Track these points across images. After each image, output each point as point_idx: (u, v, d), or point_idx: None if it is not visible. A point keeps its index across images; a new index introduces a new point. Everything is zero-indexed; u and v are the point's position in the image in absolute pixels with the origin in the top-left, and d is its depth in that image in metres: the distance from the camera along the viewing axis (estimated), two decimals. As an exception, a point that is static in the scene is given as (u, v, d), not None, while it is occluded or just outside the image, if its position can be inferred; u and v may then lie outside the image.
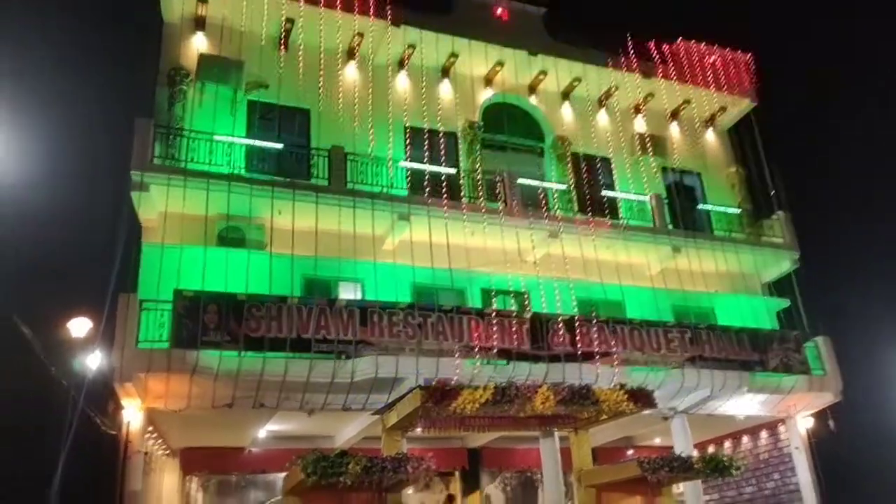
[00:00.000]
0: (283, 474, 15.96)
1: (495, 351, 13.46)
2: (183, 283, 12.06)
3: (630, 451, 18.94)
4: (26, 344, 10.20)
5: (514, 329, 13.79)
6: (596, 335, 14.39)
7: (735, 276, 17.88)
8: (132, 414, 12.09)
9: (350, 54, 17.01)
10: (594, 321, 14.52)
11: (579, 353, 14.06)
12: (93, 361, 11.62)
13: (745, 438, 18.89)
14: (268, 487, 16.56)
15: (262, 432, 15.09)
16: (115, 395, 11.99)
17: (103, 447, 11.08)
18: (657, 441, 18.80)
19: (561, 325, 14.23)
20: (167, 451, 15.15)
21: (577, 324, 14.32)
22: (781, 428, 17.75)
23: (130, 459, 11.65)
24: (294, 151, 14.94)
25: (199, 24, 15.68)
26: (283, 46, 16.23)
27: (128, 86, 14.11)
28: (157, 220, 13.33)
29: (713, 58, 20.99)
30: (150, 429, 13.04)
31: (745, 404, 16.29)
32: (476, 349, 13.36)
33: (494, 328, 13.60)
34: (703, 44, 20.89)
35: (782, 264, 18.80)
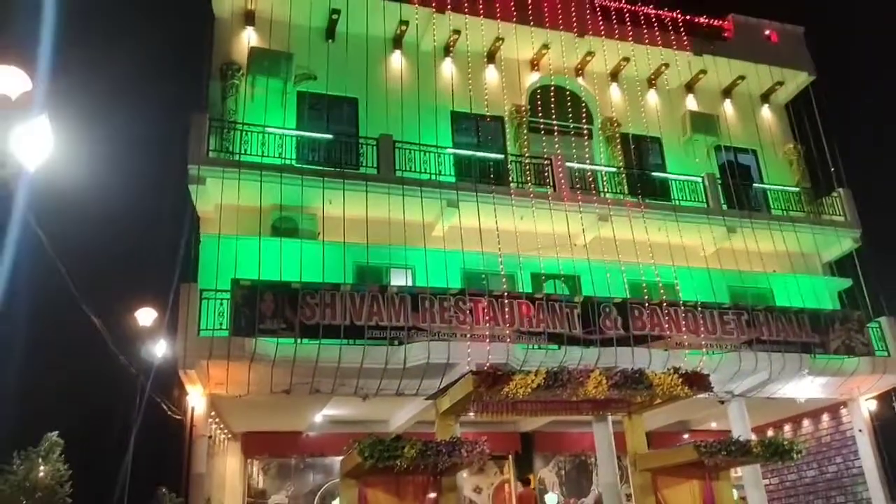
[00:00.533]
0: (340, 457, 16.45)
1: (546, 335, 13.46)
2: (239, 273, 12.40)
3: (685, 436, 18.74)
4: (97, 334, 10.67)
5: (565, 313, 13.75)
6: (648, 318, 14.26)
7: (794, 256, 17.38)
8: (196, 399, 12.56)
9: (396, 42, 17.11)
10: (646, 304, 14.37)
11: (631, 336, 13.95)
12: (159, 349, 12.05)
13: (805, 422, 18.50)
14: (325, 470, 16.99)
15: (319, 417, 15.48)
16: (179, 381, 12.46)
17: (170, 431, 11.55)
18: (713, 425, 18.55)
19: (612, 308, 14.13)
20: (229, 435, 15.68)
21: (629, 307, 14.21)
22: (843, 410, 17.33)
23: (195, 443, 12.10)
24: (343, 141, 15.12)
25: (249, 18, 15.99)
26: (329, 37, 16.43)
27: (183, 81, 14.46)
28: (214, 211, 13.71)
29: (767, 31, 20.39)
30: (213, 414, 13.51)
31: (805, 387, 15.89)
32: (527, 334, 13.38)
33: (545, 312, 13.59)
34: (758, 18, 20.30)
35: (843, 243, 18.24)
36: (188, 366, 11.68)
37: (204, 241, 13.38)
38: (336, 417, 15.56)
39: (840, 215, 18.29)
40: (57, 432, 11.10)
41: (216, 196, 13.48)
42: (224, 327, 11.91)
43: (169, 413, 12.34)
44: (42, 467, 9.79)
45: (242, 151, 13.76)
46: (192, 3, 15.20)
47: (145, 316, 11.69)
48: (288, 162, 14.21)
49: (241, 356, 11.75)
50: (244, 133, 14.01)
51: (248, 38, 15.91)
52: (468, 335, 12.99)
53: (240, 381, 12.29)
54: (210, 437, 12.72)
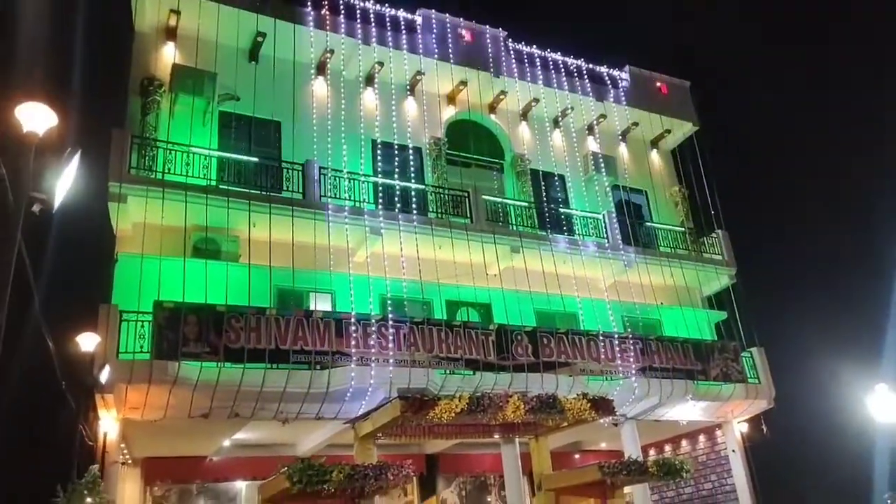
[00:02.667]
0: (245, 482, 16.31)
1: (463, 361, 14.05)
2: (159, 295, 12.15)
3: (577, 456, 19.85)
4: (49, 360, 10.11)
5: (481, 340, 14.41)
6: (556, 346, 15.19)
7: (679, 290, 19.00)
8: (109, 424, 12.09)
9: (320, 69, 17.33)
10: (554, 332, 15.32)
11: (541, 363, 14.81)
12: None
13: (684, 442, 20.07)
14: (227, 496, 16.60)
15: (227, 441, 15.22)
16: (94, 405, 11.97)
17: (83, 458, 11.05)
18: (603, 445, 19.77)
19: (524, 336, 14.96)
20: (129, 461, 15.06)
21: (538, 335, 15.09)
22: (718, 432, 18.99)
23: (108, 470, 11.65)
24: (266, 164, 15.13)
25: (171, 34, 15.69)
26: (253, 59, 16.43)
27: (99, 94, 13.98)
28: (132, 230, 13.33)
29: (658, 83, 22.31)
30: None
31: (688, 410, 17.40)
32: (445, 359, 13.91)
33: (463, 339, 14.19)
34: (650, 70, 22.20)
35: (721, 279, 20.09)
36: (106, 390, 11.29)
37: (122, 260, 12.96)
38: (243, 441, 15.34)
39: (719, 254, 20.19)
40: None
41: (137, 215, 13.13)
42: (145, 350, 11.62)
43: (86, 440, 11.79)
44: (88, 499, 9.29)
45: (166, 170, 13.49)
46: (111, 15, 14.72)
47: (86, 341, 11.15)
48: (210, 183, 14.06)
49: (163, 380, 11.50)
50: (168, 152, 13.73)
51: (170, 54, 15.62)
52: (390, 360, 13.34)
53: (158, 406, 11.99)
54: (123, 463, 12.27)
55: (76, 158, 4.48)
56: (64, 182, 4.56)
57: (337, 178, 15.33)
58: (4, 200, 4.54)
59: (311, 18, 16.61)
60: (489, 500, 18.77)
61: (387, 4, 17.93)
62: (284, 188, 14.95)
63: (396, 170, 16.73)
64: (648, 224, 20.26)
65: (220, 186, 14.00)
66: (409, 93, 18.44)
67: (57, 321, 10.11)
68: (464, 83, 18.63)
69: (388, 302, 15.34)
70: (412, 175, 17.23)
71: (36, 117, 4.53)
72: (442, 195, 16.72)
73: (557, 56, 20.41)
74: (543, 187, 19.23)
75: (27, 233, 4.97)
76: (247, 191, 14.20)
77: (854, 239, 27.68)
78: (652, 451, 20.25)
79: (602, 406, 13.22)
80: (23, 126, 4.44)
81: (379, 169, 17.05)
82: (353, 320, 13.28)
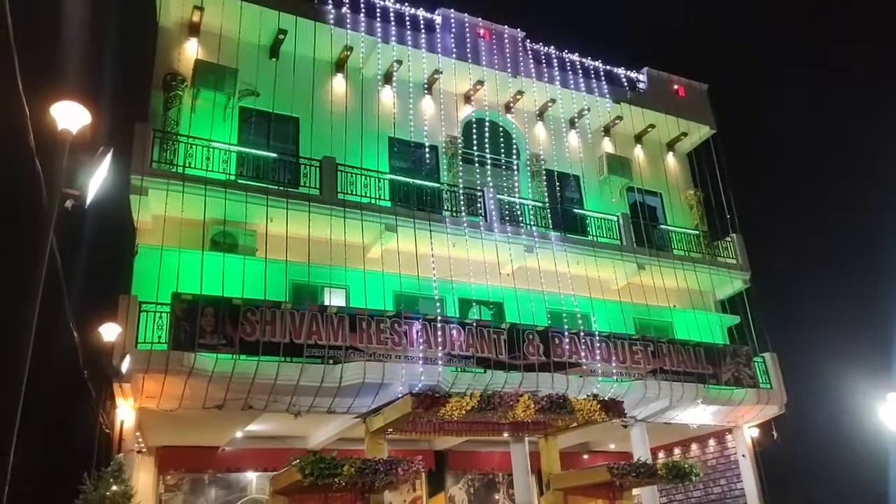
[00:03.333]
0: (256, 473, 16.52)
1: (475, 359, 14.17)
2: (177, 287, 12.35)
3: (585, 456, 19.91)
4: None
5: (492, 339, 14.52)
6: (567, 346, 15.28)
7: (692, 293, 19.02)
8: (126, 413, 12.32)
9: (339, 66, 17.49)
10: (566, 333, 15.39)
11: (552, 363, 14.90)
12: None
13: (694, 446, 20.08)
14: (240, 486, 16.83)
15: (240, 433, 15.42)
16: (112, 394, 12.20)
17: (100, 446, 11.28)
18: (612, 447, 19.81)
19: (535, 335, 15.05)
20: (144, 450, 15.30)
21: (550, 335, 15.17)
22: (729, 437, 18.99)
23: (123, 458, 11.86)
24: (284, 159, 15.31)
25: (194, 30, 15.90)
26: (273, 56, 16.61)
27: (124, 89, 14.19)
28: (152, 223, 13.55)
29: (676, 86, 22.27)
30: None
31: (698, 414, 17.41)
32: (457, 357, 14.04)
33: (475, 337, 14.30)
34: (668, 73, 22.15)
35: (735, 283, 20.06)
36: (124, 379, 11.50)
37: (141, 252, 13.18)
38: (255, 433, 15.53)
39: (733, 258, 20.16)
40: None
41: (157, 208, 13.34)
42: (163, 341, 11.83)
43: (103, 427, 12.03)
44: (113, 486, 9.56)
45: (186, 164, 13.69)
46: (136, 11, 14.92)
47: (109, 331, 11.38)
48: (229, 177, 14.25)
49: (179, 371, 11.70)
50: (188, 146, 13.92)
51: (193, 49, 15.82)
52: (402, 357, 13.49)
53: (173, 396, 12.20)
54: (139, 451, 12.49)
55: (109, 156, 4.63)
56: (96, 179, 4.72)
57: (353, 175, 15.48)
58: (39, 197, 4.70)
59: (331, 16, 16.75)
60: (497, 497, 18.87)
61: (406, 3, 18.06)
62: (302, 184, 15.12)
63: (412, 168, 16.86)
64: (663, 227, 20.26)
65: (239, 181, 14.19)
66: (426, 91, 18.56)
67: (80, 311, 10.34)
68: (481, 82, 18.72)
69: (402, 298, 15.48)
70: (428, 173, 17.34)
71: (70, 115, 4.69)
72: (457, 193, 16.83)
73: (575, 57, 20.43)
74: (558, 187, 19.29)
75: (58, 227, 5.15)
76: (265, 186, 14.39)
77: (870, 246, 27.51)
78: (661, 454, 20.26)
79: (612, 407, 13.27)
80: (57, 124, 4.61)
81: (395, 166, 17.18)
82: (366, 316, 13.43)
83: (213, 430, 14.77)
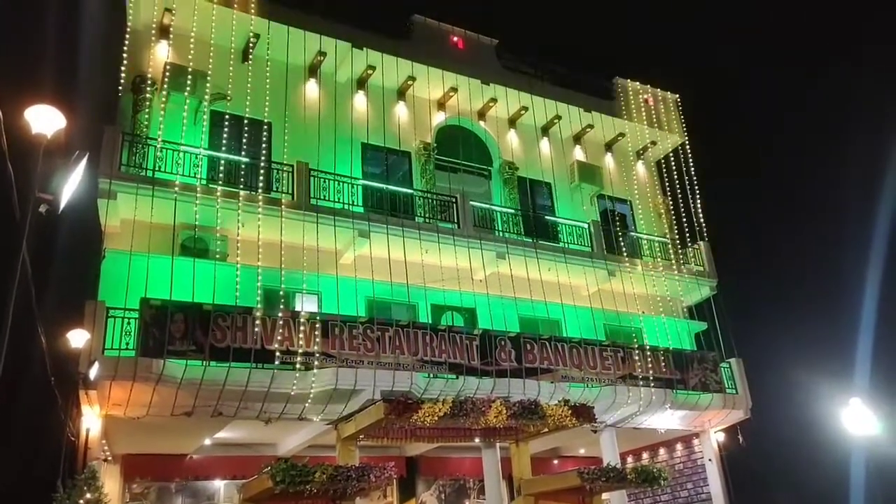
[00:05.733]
0: (224, 481, 16.32)
1: (447, 365, 14.19)
2: (146, 292, 12.18)
3: (555, 461, 20.07)
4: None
5: (465, 344, 14.57)
6: (538, 352, 15.38)
7: (661, 300, 19.30)
8: (92, 421, 12.10)
9: (312, 71, 17.43)
10: (537, 339, 15.51)
11: (524, 369, 15.00)
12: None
13: (661, 450, 20.33)
14: (206, 494, 16.61)
15: (208, 440, 15.24)
16: (77, 401, 11.97)
17: (67, 454, 11.06)
18: (581, 451, 19.99)
19: (507, 342, 15.13)
20: (109, 458, 15.03)
21: (522, 341, 15.27)
22: (696, 441, 19.26)
23: (89, 466, 11.64)
24: (256, 164, 15.19)
25: (165, 32, 15.72)
26: (245, 59, 16.50)
27: (92, 91, 13.97)
28: (121, 227, 13.34)
29: (645, 96, 22.61)
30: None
31: (666, 419, 17.66)
32: (429, 363, 14.05)
33: (447, 343, 14.34)
34: (638, 82, 22.49)
35: (702, 290, 20.36)
36: (90, 386, 11.30)
37: (109, 257, 12.97)
38: (224, 440, 15.35)
39: (700, 265, 20.51)
40: (95, 462, 10.89)
41: (126, 212, 13.15)
42: (131, 347, 11.65)
43: (69, 436, 11.79)
44: (87, 494, 9.34)
45: (156, 168, 13.51)
46: (106, 12, 14.70)
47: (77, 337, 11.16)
48: (200, 182, 14.10)
49: (147, 377, 11.54)
50: (158, 150, 13.75)
51: (163, 52, 15.64)
52: (374, 363, 13.46)
53: (141, 403, 12.02)
54: (105, 460, 12.27)
55: (83, 161, 4.56)
56: (70, 184, 4.63)
57: (326, 181, 15.43)
58: (10, 202, 4.61)
59: (304, 21, 16.68)
60: (468, 503, 18.91)
61: (381, 10, 18.12)
62: (274, 189, 15.03)
63: (386, 174, 16.88)
64: (632, 234, 20.53)
65: (210, 185, 14.05)
66: (399, 97, 18.58)
67: (47, 317, 10.14)
68: (454, 89, 18.80)
69: (374, 304, 15.45)
70: (401, 179, 17.37)
71: (44, 119, 4.60)
72: (430, 200, 16.88)
73: (547, 65, 20.65)
74: (530, 195, 19.45)
75: (28, 232, 5.05)
76: (236, 190, 14.27)
77: (834, 253, 28.20)
78: (630, 459, 20.47)
79: (582, 413, 13.41)
80: (31, 128, 4.52)
81: (368, 172, 17.17)
82: (339, 322, 13.38)
83: (181, 437, 14.56)
